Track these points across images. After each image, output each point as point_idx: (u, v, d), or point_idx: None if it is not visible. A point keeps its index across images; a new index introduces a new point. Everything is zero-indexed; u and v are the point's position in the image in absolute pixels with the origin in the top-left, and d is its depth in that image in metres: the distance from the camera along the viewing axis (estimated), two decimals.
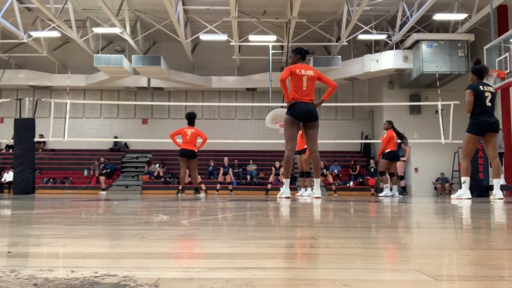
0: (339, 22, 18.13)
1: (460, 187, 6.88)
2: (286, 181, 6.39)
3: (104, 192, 15.11)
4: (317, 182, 6.52)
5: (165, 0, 13.13)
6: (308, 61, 19.30)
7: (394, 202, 6.05)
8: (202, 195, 9.99)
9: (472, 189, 11.49)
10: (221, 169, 17.58)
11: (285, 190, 6.34)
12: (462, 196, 6.61)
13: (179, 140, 10.01)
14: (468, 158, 6.62)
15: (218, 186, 16.96)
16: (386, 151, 10.56)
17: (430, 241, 1.56)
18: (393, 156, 10.64)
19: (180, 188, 10.05)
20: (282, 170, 9.39)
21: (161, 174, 19.87)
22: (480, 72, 6.53)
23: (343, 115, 22.30)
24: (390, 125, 10.87)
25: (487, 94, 6.38)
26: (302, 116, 6.16)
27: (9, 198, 7.58)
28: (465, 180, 6.58)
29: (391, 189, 10.95)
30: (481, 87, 6.39)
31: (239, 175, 19.42)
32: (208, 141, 10.33)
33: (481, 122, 6.37)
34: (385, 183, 10.92)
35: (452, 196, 7.19)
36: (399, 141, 11.75)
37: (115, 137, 21.35)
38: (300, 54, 6.48)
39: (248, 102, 22.17)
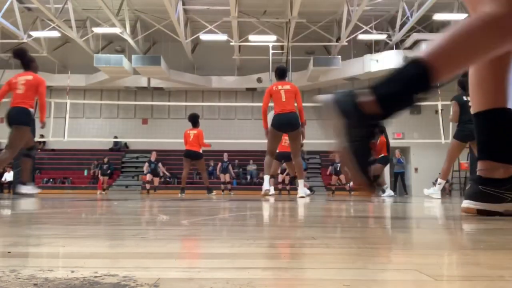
0: (339, 22, 18.14)
1: (461, 187, 7.18)
2: (266, 177, 7.06)
3: (103, 192, 15.12)
4: (300, 183, 6.99)
5: (165, 0, 13.13)
6: (308, 61, 19.32)
7: (394, 202, 6.06)
8: (214, 194, 10.15)
9: None
10: (219, 164, 17.53)
11: (265, 186, 7.01)
12: (433, 196, 7.10)
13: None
14: (451, 163, 7.18)
15: (223, 186, 16.94)
16: (380, 156, 11.42)
17: (430, 241, 1.56)
18: (387, 160, 11.46)
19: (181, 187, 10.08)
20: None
21: (162, 174, 19.86)
22: (463, 84, 6.99)
23: None
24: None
25: (470, 103, 6.61)
26: (283, 127, 6.79)
27: (9, 198, 7.58)
28: (441, 182, 7.17)
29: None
30: (464, 97, 6.96)
31: (239, 175, 19.42)
32: (208, 141, 10.41)
33: (467, 129, 6.75)
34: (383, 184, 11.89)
35: (425, 190, 7.44)
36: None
37: (115, 137, 21.35)
38: (276, 73, 7.10)
39: (248, 102, 22.18)
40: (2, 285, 0.74)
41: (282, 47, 19.41)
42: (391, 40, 18.05)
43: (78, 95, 22.04)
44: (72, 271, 0.86)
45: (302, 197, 6.78)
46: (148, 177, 16.95)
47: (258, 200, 6.54)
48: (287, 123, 6.77)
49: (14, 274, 0.83)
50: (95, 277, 0.81)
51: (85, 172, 20.12)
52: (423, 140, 15.92)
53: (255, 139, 18.33)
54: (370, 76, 19.47)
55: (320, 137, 8.81)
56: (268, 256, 1.13)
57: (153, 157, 17.16)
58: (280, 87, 6.90)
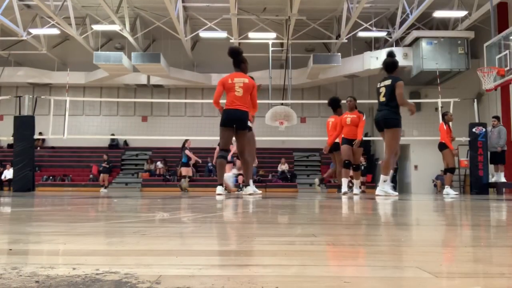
0: (339, 19, 18.10)
1: (460, 184, 6.92)
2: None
3: (105, 190, 15.13)
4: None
5: None
6: (308, 58, 19.31)
7: (394, 199, 6.06)
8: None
9: (471, 186, 11.55)
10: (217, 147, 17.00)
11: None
12: (391, 194, 6.65)
13: None
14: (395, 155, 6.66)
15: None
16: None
17: (430, 238, 1.56)
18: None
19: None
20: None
21: (162, 172, 19.85)
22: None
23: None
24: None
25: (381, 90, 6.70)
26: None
27: (9, 195, 7.58)
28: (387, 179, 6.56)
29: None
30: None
31: None
32: (208, 139, 10.22)
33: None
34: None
35: (381, 188, 6.61)
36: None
37: (112, 134, 21.34)
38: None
39: None
40: (4, 282, 0.74)
41: (281, 45, 19.37)
42: (391, 37, 18.00)
43: (77, 93, 22.00)
44: (74, 268, 0.86)
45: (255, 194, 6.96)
46: (184, 171, 13.91)
47: (258, 199, 6.55)
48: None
49: (16, 271, 0.83)
50: (97, 274, 0.81)
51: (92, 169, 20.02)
52: (423, 137, 15.91)
53: (256, 136, 18.32)
54: (370, 74, 19.45)
55: (320, 134, 8.79)
56: (269, 253, 1.13)
57: (188, 145, 13.51)
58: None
